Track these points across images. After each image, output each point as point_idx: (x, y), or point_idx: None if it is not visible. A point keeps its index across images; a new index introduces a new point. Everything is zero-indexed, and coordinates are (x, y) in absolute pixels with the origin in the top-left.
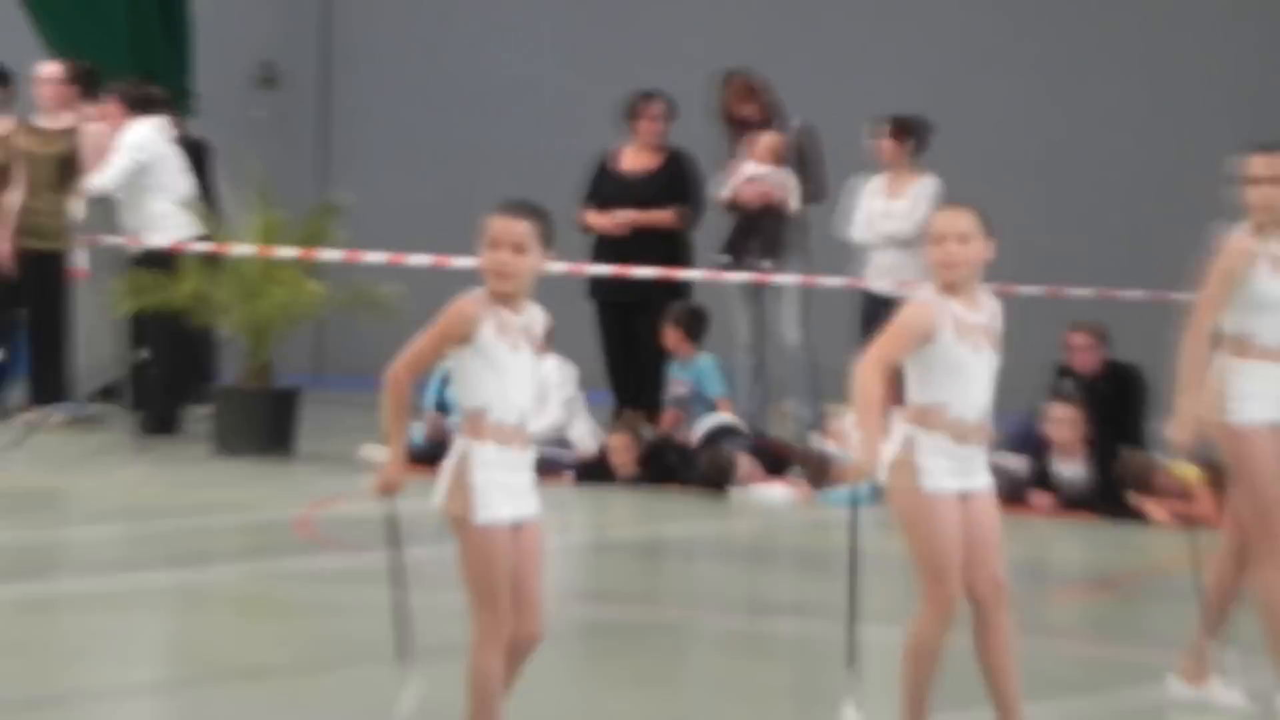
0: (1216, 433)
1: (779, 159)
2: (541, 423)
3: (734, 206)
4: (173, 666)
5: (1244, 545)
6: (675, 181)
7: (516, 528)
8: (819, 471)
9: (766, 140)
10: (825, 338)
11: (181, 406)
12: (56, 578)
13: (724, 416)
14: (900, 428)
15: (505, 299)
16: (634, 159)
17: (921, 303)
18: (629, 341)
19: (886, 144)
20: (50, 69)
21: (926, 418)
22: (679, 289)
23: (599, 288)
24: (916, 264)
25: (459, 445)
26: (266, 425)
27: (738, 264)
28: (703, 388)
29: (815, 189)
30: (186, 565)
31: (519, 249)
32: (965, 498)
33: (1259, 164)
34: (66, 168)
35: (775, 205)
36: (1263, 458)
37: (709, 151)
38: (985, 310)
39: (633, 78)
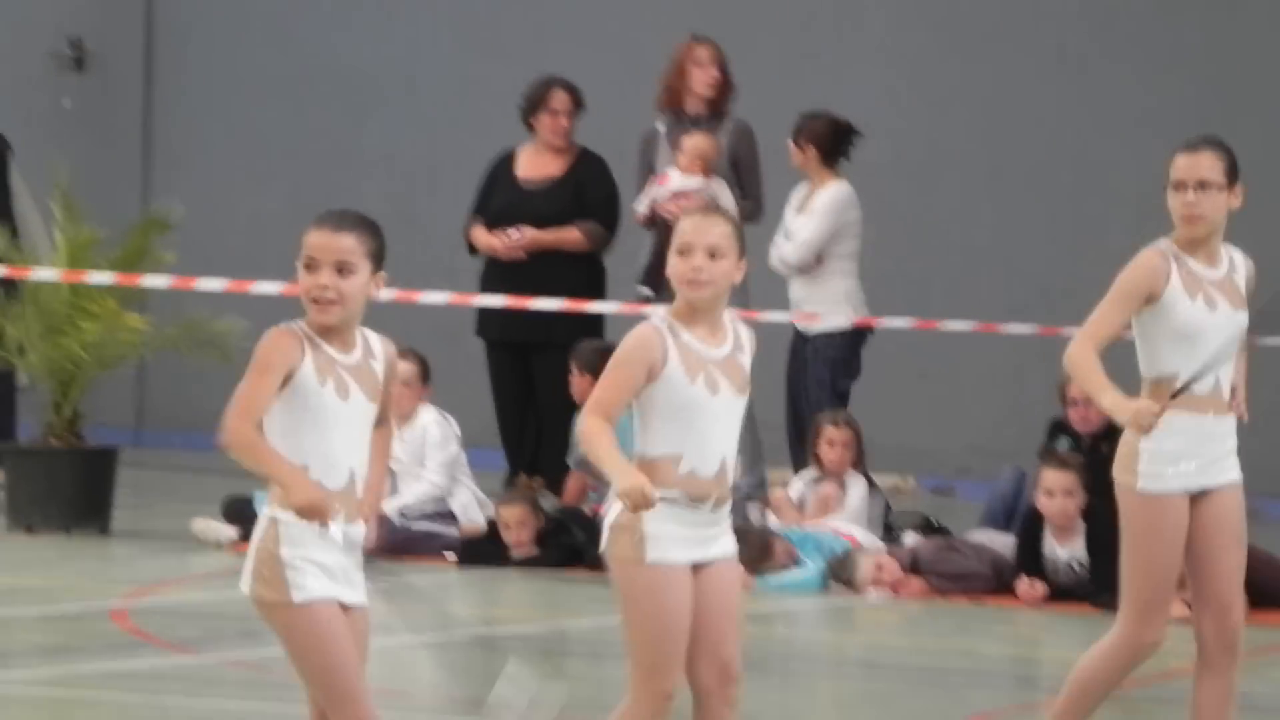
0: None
1: (709, 167)
2: (415, 490)
3: (654, 225)
4: None
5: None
6: (583, 191)
7: (347, 612)
8: (759, 552)
9: (694, 144)
10: (769, 389)
11: None
12: None
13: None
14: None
15: (329, 332)
16: (534, 163)
17: (647, 327)
18: (526, 390)
19: (792, 149)
20: None
21: (654, 473)
22: (588, 325)
23: (490, 323)
24: (824, 294)
25: (263, 515)
26: (75, 493)
27: (660, 296)
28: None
29: (751, 205)
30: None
31: (344, 269)
32: (700, 568)
33: (1181, 165)
34: None
35: None
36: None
37: (628, 154)
38: (729, 341)
39: (540, 61)
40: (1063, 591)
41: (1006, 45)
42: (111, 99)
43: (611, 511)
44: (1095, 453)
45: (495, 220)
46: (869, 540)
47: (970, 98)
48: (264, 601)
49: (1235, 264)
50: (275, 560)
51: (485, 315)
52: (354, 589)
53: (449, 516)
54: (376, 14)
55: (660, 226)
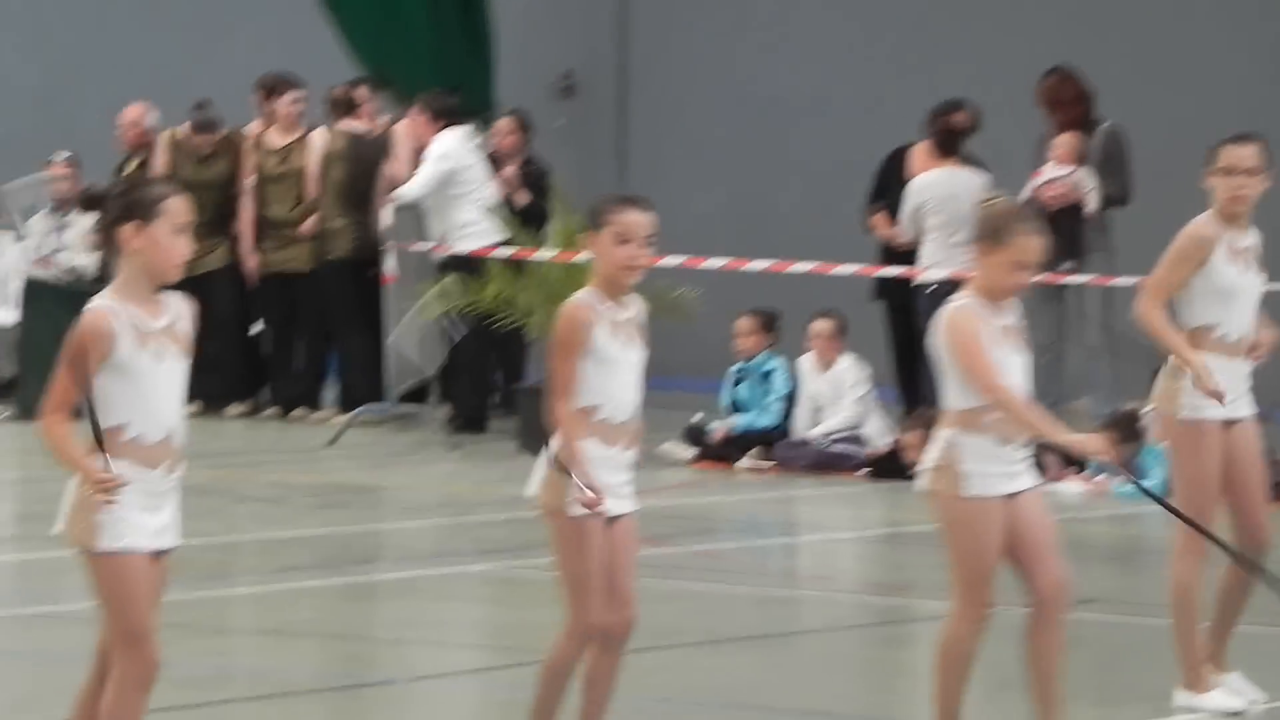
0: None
1: (1079, 159)
2: (835, 420)
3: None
4: (489, 652)
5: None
6: None
7: (611, 521)
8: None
9: (1065, 141)
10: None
11: (488, 406)
12: (376, 568)
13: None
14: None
15: (620, 294)
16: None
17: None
18: (916, 342)
19: None
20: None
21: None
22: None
23: (886, 290)
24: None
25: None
26: None
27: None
28: None
29: (1119, 191)
30: (498, 556)
31: (651, 242)
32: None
33: (1235, 154)
34: (364, 179)
35: (1074, 206)
36: (1209, 455)
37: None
38: (633, 307)
39: (929, 84)
40: None
41: None
42: (595, 120)
43: (936, 452)
44: None
45: (892, 207)
46: None
47: None
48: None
49: (1253, 234)
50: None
51: (882, 283)
52: (628, 502)
53: (860, 440)
54: (795, 48)
55: (1039, 209)
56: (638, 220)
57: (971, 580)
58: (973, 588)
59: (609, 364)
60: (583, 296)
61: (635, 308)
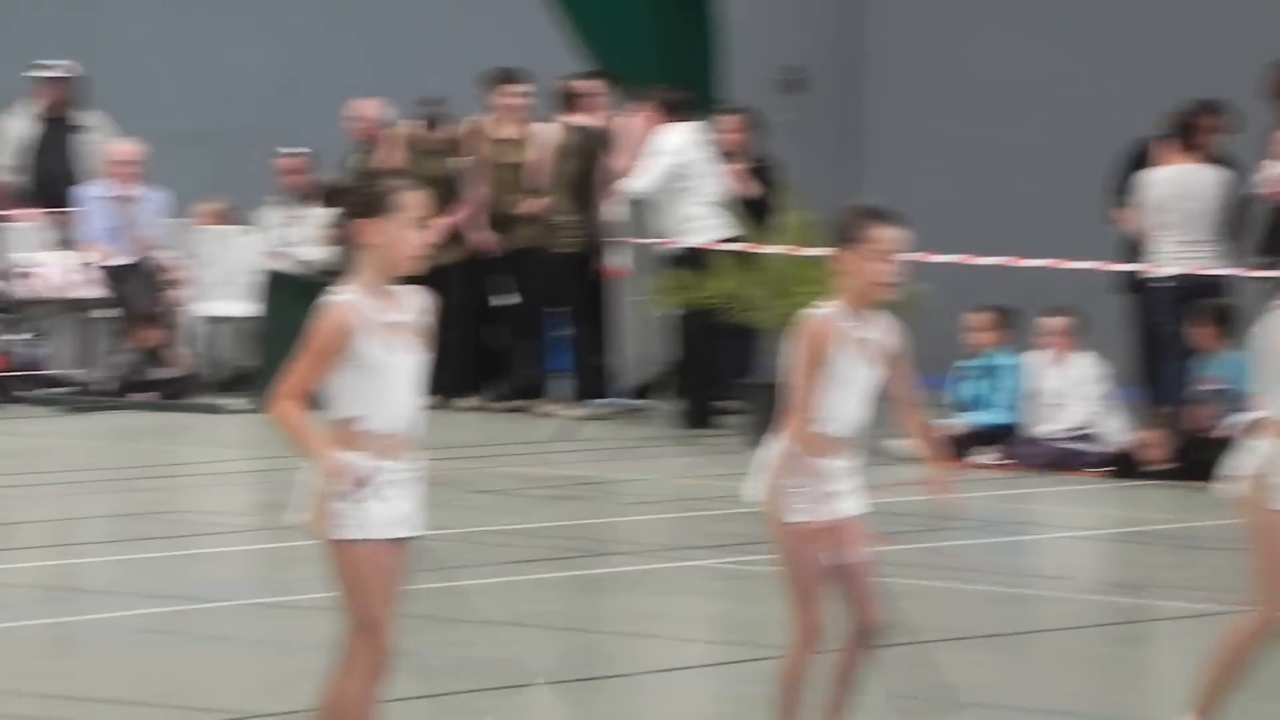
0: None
1: None
2: (1071, 417)
3: (1262, 204)
4: (722, 647)
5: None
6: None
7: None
8: None
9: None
10: None
11: (718, 401)
12: (607, 561)
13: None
14: (1264, 442)
15: (866, 310)
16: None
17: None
18: (1157, 339)
19: None
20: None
21: None
22: (1212, 286)
23: (1131, 284)
24: None
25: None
26: None
27: (1275, 261)
28: (1235, 384)
29: None
30: (729, 550)
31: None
32: None
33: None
34: (590, 173)
35: None
36: None
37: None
38: (880, 326)
39: (1166, 76)
40: None
41: None
42: (830, 113)
43: (1252, 460)
44: None
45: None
46: None
47: None
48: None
49: None
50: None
51: (1128, 278)
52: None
53: (1092, 439)
54: (1031, 39)
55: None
56: (890, 237)
57: (1276, 589)
58: (1277, 594)
59: (846, 383)
60: (828, 311)
61: (883, 327)
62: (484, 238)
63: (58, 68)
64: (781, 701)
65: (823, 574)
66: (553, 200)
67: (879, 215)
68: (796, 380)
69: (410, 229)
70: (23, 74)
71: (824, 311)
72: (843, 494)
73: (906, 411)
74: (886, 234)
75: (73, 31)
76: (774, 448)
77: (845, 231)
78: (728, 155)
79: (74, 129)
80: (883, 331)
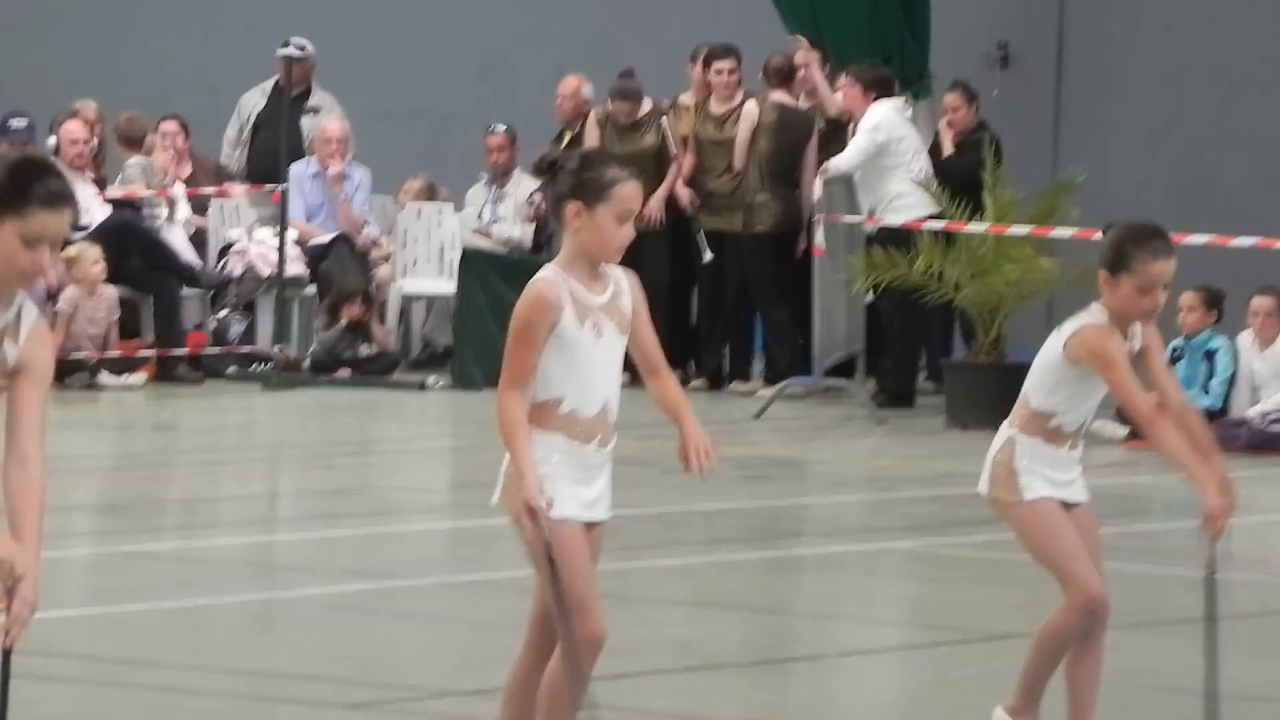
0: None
1: None
2: (1275, 399)
3: None
4: (915, 630)
5: None
6: None
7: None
8: None
9: None
10: None
11: (916, 380)
12: (801, 542)
13: None
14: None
15: (1127, 328)
16: None
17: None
18: None
19: None
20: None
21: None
22: None
23: None
24: None
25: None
26: (997, 399)
27: None
28: None
29: None
30: (925, 533)
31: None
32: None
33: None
34: (791, 152)
35: None
36: None
37: None
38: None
39: None
40: None
41: None
42: (1030, 88)
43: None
44: None
45: None
46: None
47: None
48: (1000, 501)
49: None
50: (1011, 470)
51: None
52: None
53: None
54: (1241, 14)
55: None
56: (1164, 271)
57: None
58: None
59: (1096, 388)
60: (1102, 322)
61: (1142, 339)
62: (686, 193)
63: (295, 46)
64: (1034, 661)
65: (1079, 541)
66: (750, 180)
67: (1154, 248)
68: (1042, 383)
69: (618, 221)
70: (255, 54)
71: (1098, 322)
72: (1073, 482)
73: (1178, 419)
74: (1160, 269)
75: (287, 9)
76: (1003, 438)
77: (1119, 258)
78: (947, 127)
79: (306, 108)
80: (1139, 338)
